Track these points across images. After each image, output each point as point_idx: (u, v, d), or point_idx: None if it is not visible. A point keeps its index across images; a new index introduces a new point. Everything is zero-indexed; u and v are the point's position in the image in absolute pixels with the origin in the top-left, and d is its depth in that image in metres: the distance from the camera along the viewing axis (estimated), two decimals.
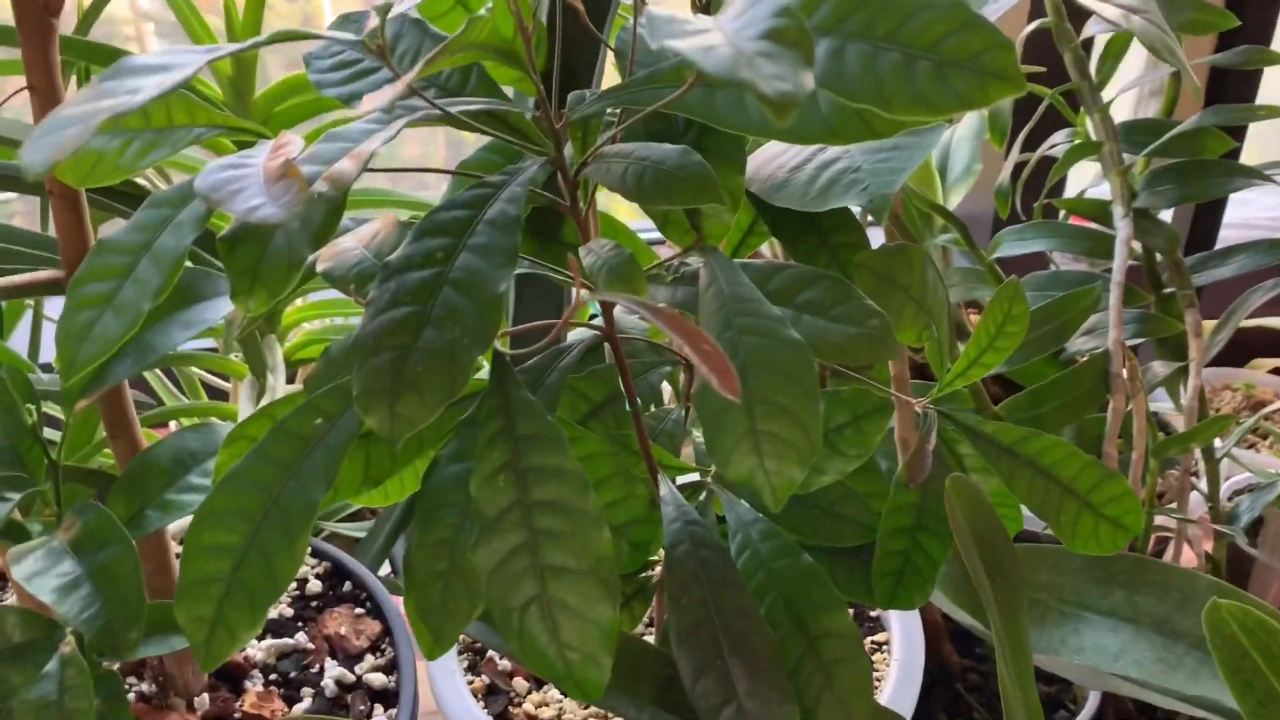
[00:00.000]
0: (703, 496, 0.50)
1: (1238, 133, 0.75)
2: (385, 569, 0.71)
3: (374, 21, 0.39)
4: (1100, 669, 0.54)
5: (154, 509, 0.42)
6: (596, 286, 0.39)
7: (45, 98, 0.38)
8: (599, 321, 0.49)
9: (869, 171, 0.42)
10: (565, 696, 0.56)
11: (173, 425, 0.77)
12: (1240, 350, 0.93)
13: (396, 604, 0.58)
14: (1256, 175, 0.65)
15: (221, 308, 0.40)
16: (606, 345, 0.46)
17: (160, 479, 0.42)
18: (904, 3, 0.28)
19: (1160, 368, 0.68)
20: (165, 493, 0.42)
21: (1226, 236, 0.94)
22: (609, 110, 0.41)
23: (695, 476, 0.51)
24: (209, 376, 0.77)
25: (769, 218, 0.46)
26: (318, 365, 0.40)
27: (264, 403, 0.65)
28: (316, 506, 0.35)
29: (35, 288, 0.39)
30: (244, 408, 0.65)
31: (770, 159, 0.46)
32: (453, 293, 0.35)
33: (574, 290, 0.80)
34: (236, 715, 0.51)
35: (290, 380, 0.69)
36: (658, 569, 0.55)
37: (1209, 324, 0.73)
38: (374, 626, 0.56)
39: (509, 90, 0.46)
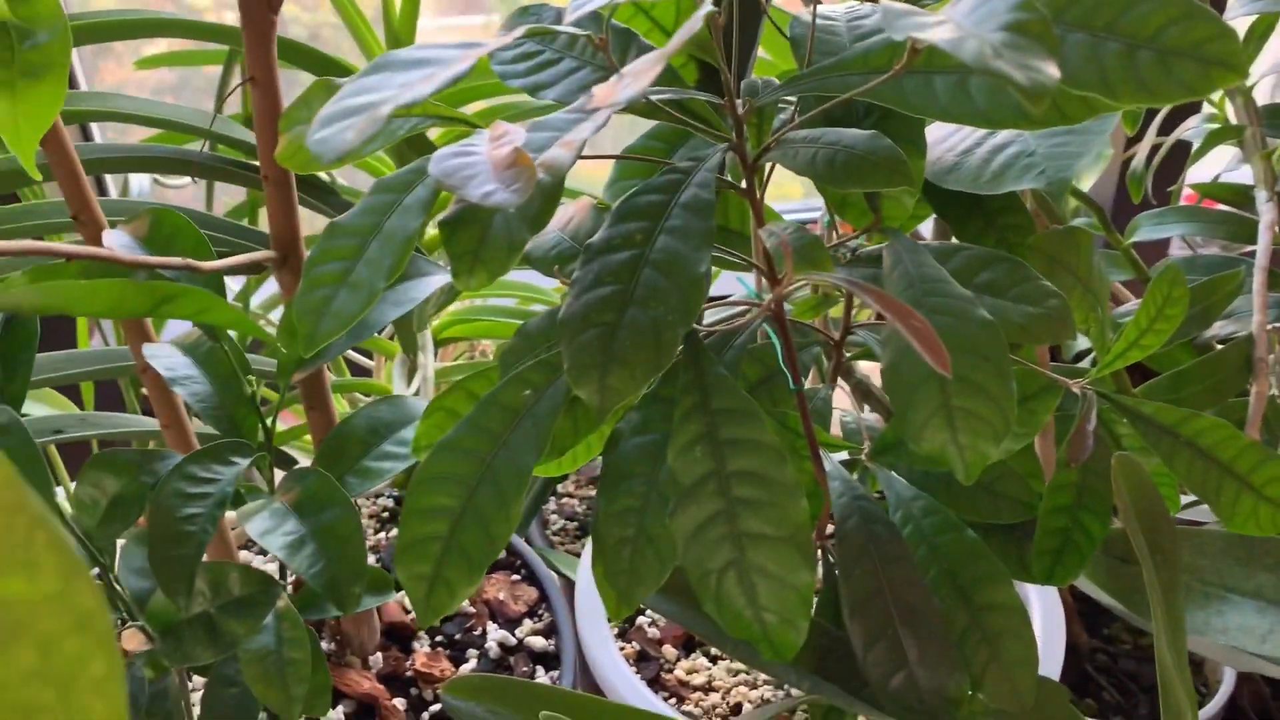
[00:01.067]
0: (858, 475, 0.52)
1: None
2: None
3: (572, 14, 0.41)
4: (1247, 649, 0.55)
5: (353, 476, 0.44)
6: (773, 269, 0.40)
7: (265, 89, 0.41)
8: (737, 296, 0.50)
9: (1045, 156, 0.42)
10: (715, 664, 0.58)
11: None
12: None
13: (549, 572, 0.61)
14: None
15: (425, 287, 0.42)
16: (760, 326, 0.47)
17: (357, 448, 0.45)
18: None
19: None
20: (363, 460, 0.45)
21: None
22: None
23: (846, 455, 0.53)
24: (352, 354, 0.81)
25: (934, 200, 0.48)
26: (514, 340, 0.42)
27: (416, 379, 0.68)
28: (529, 472, 0.37)
29: (253, 267, 0.42)
30: (397, 384, 0.68)
31: (938, 142, 0.47)
32: (653, 273, 0.36)
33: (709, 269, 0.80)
34: (408, 673, 0.54)
35: (434, 357, 0.72)
36: None
37: None
38: (530, 592, 0.59)
39: None
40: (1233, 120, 0.69)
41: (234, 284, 0.77)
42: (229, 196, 0.85)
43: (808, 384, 0.62)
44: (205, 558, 0.59)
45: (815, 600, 0.54)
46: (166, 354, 0.43)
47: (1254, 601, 0.56)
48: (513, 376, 0.39)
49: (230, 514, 0.50)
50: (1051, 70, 0.25)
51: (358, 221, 0.36)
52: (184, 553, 0.38)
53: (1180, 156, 0.73)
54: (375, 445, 0.45)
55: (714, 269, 0.98)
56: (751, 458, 0.37)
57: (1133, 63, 0.28)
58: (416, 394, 0.65)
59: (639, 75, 0.31)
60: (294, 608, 0.42)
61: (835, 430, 0.59)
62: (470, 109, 0.74)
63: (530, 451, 0.38)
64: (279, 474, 0.47)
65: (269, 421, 0.44)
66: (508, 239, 0.36)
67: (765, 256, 0.44)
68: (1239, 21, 0.68)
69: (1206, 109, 0.75)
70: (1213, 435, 0.47)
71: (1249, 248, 0.68)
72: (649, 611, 0.63)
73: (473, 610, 0.58)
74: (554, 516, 0.80)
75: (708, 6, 0.34)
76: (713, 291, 1.03)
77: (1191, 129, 0.74)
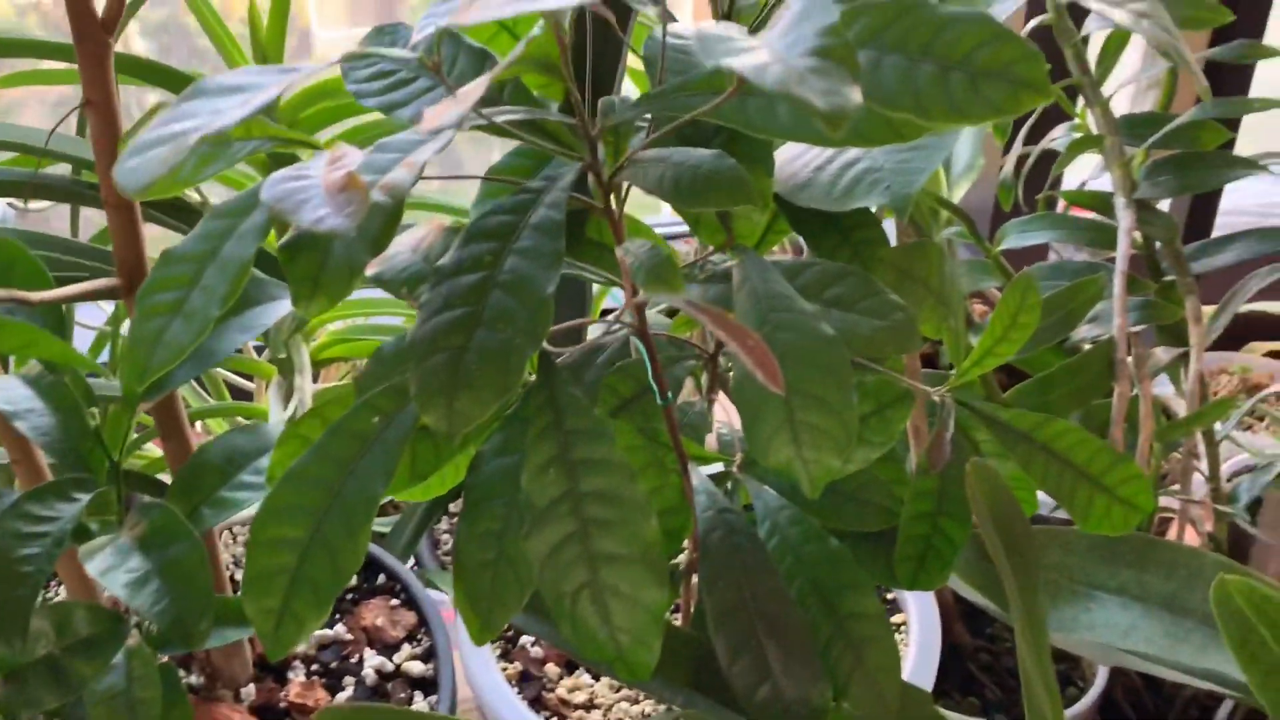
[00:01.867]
0: (729, 486, 0.52)
1: (1233, 124, 0.77)
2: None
3: (417, 35, 0.40)
4: (1111, 645, 0.56)
5: (209, 507, 0.43)
6: (635, 285, 0.40)
7: (102, 113, 0.40)
8: (614, 314, 0.51)
9: (891, 171, 0.43)
10: (597, 681, 0.58)
11: (198, 426, 0.79)
12: (1236, 333, 0.95)
13: (430, 596, 0.60)
14: (1252, 166, 0.67)
15: (274, 312, 0.42)
16: (632, 341, 0.47)
17: (213, 478, 0.44)
18: (935, 17, 0.30)
19: (1162, 354, 0.70)
20: (219, 491, 0.44)
21: (1220, 222, 0.97)
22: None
23: (720, 467, 0.53)
24: (233, 377, 0.79)
25: (790, 216, 0.48)
26: (369, 365, 0.42)
27: (293, 402, 0.66)
28: (377, 500, 0.37)
29: (94, 295, 0.41)
30: (274, 407, 0.66)
31: (792, 159, 0.47)
32: (503, 295, 0.36)
33: (593, 287, 0.81)
34: (282, 704, 0.53)
35: (315, 379, 0.70)
36: (683, 557, 0.57)
37: (1208, 309, 0.75)
38: (409, 617, 0.58)
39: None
40: (1094, 130, 0.71)
41: (109, 307, 0.75)
42: (101, 219, 0.83)
43: (687, 398, 0.62)
44: (68, 598, 0.57)
45: (693, 613, 0.54)
46: (7, 387, 0.42)
47: (1118, 598, 0.58)
48: (362, 402, 0.38)
49: None
50: (852, 95, 0.25)
51: (193, 248, 0.36)
52: (18, 594, 0.36)
53: (1051, 165, 0.76)
54: (232, 475, 0.44)
55: (606, 288, 0.97)
56: (603, 477, 0.37)
57: (945, 84, 0.29)
58: (292, 418, 0.64)
59: (466, 96, 0.31)
60: (146, 645, 0.41)
61: (713, 443, 0.60)
62: (350, 124, 0.73)
63: (379, 479, 0.37)
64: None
65: (117, 454, 0.43)
66: (348, 263, 0.36)
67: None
68: (1096, 35, 0.71)
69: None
70: (1067, 439, 0.48)
71: (1113, 253, 0.70)
72: None
73: (350, 637, 0.57)
74: (446, 536, 0.79)
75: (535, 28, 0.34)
76: (607, 304, 1.02)
77: (1057, 138, 0.76)
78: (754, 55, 0.27)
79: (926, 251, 0.46)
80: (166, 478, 0.67)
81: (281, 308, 0.42)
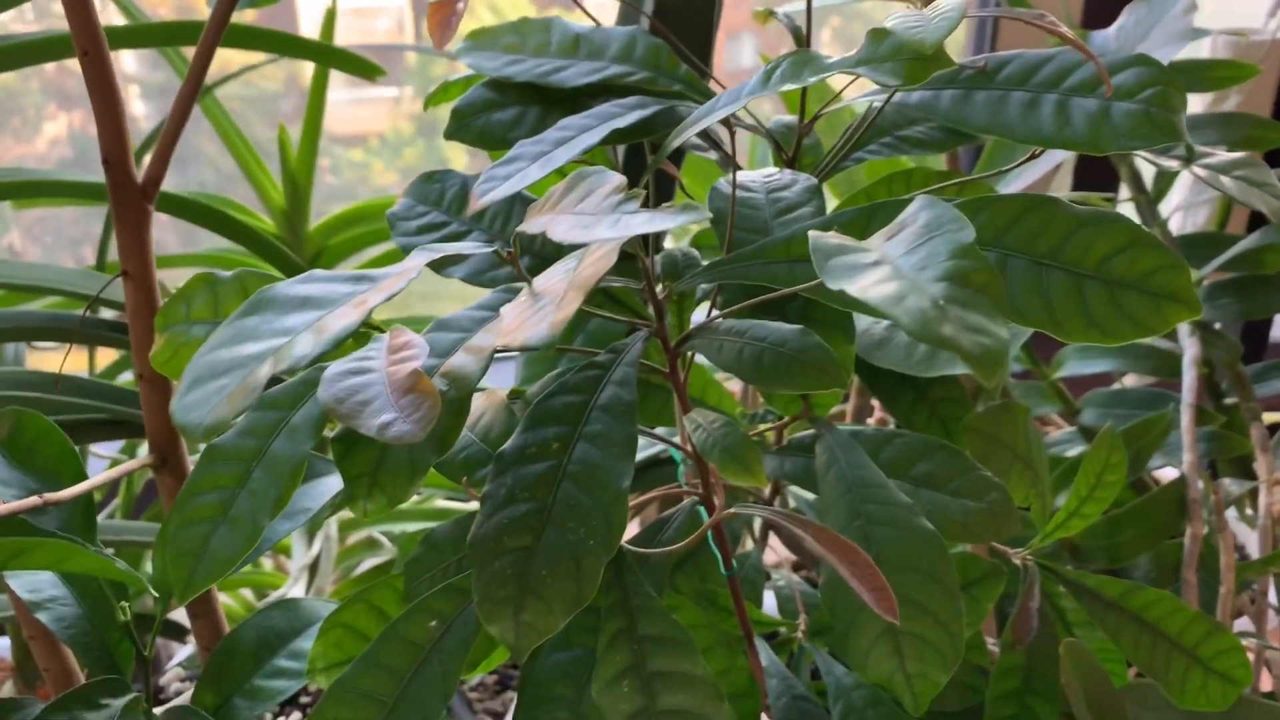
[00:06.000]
0: (793, 654, 0.49)
1: None
2: None
3: (477, 201, 0.38)
4: None
5: (242, 697, 0.40)
6: (707, 460, 0.37)
7: (139, 285, 0.37)
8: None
9: None
10: None
11: None
12: None
13: None
14: None
15: (320, 491, 0.39)
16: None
17: (247, 664, 0.41)
18: (1065, 215, 0.27)
19: (1232, 486, 0.67)
20: (253, 678, 0.41)
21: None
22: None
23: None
24: None
25: (863, 372, 0.46)
26: (420, 550, 0.38)
27: (318, 539, 0.63)
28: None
29: (126, 474, 0.38)
30: (297, 545, 0.63)
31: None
32: (573, 488, 0.33)
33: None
34: None
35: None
36: None
37: (1269, 415, 0.72)
38: None
39: None
40: None
41: None
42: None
43: (738, 546, 0.59)
44: None
45: None
46: (32, 575, 0.39)
47: None
48: (417, 604, 0.35)
49: None
50: (1000, 333, 0.22)
51: (239, 444, 0.33)
52: None
53: None
54: (267, 659, 0.41)
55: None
56: (684, 694, 0.33)
57: (1081, 296, 0.26)
58: (318, 556, 0.60)
59: (562, 304, 0.28)
60: None
61: (767, 591, 0.56)
62: (382, 249, 0.71)
63: (438, 696, 0.34)
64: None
65: (148, 649, 0.39)
66: (409, 463, 0.33)
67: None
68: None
69: None
70: (1158, 608, 0.45)
71: (1173, 381, 0.67)
72: None
73: None
74: None
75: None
76: None
77: None
78: (879, 283, 0.24)
79: (1013, 414, 0.43)
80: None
81: (329, 485, 0.39)
